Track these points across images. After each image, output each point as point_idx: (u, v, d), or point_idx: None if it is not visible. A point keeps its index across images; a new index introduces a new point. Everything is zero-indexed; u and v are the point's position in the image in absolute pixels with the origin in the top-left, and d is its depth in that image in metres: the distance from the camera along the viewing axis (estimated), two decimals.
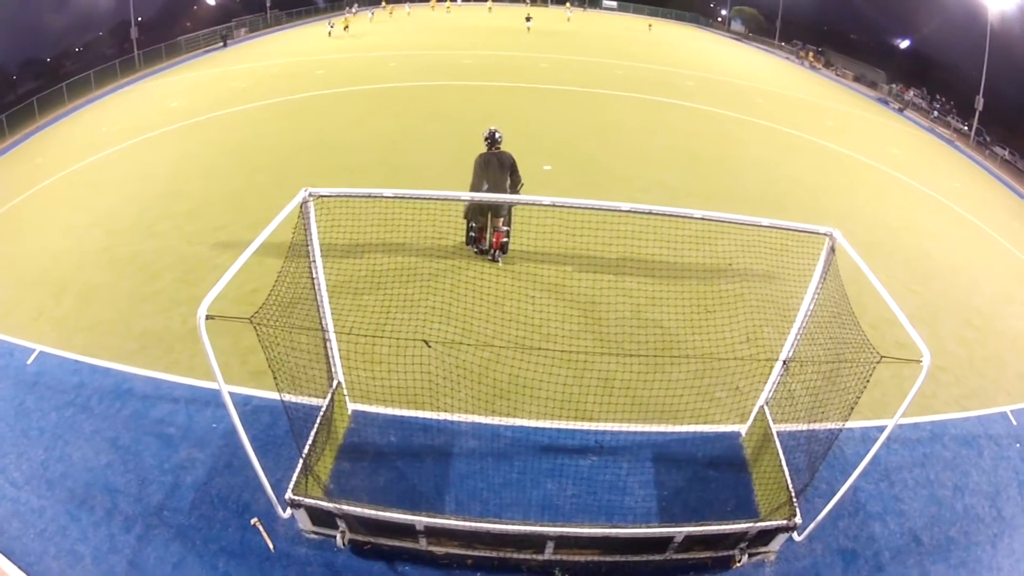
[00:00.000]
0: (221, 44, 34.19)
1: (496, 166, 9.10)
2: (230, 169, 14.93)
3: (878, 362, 4.75)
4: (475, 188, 9.01)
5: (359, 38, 34.51)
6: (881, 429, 7.57)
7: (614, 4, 57.39)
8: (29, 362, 8.18)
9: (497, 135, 9.29)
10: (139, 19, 32.40)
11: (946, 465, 7.35)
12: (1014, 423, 8.25)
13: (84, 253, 11.04)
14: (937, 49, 36.33)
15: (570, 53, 30.99)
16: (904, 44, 39.04)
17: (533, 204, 5.28)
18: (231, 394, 4.39)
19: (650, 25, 45.94)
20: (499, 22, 42.10)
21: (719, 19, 54.48)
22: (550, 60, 28.79)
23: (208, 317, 4.05)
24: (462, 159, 15.13)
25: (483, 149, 9.64)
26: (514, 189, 9.43)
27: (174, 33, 33.74)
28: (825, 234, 5.47)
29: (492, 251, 9.92)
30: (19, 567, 5.53)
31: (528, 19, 39.84)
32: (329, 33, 35.73)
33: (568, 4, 51.69)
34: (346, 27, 36.79)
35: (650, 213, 5.26)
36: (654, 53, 33.48)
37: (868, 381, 4.87)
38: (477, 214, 9.64)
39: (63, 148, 18.45)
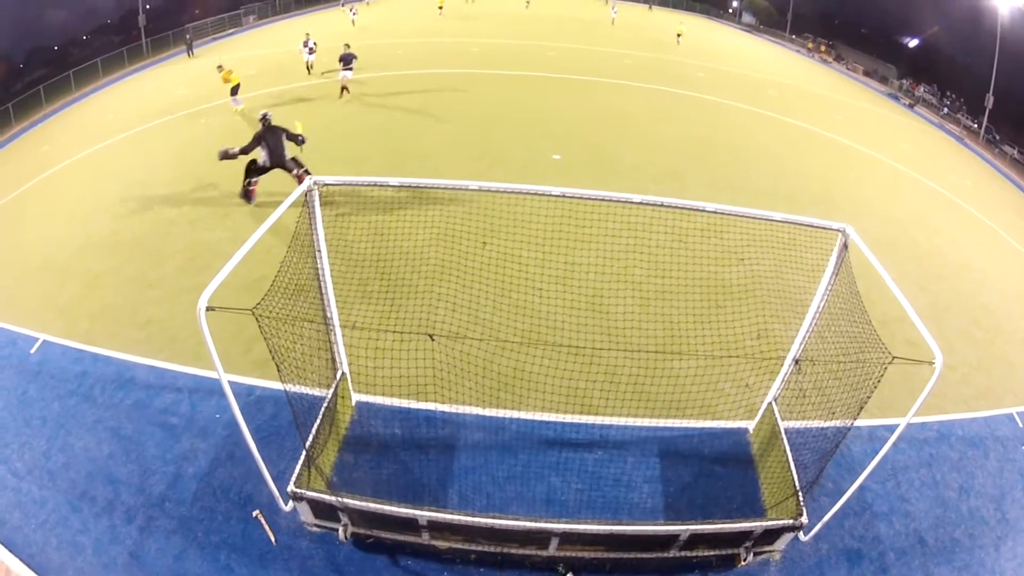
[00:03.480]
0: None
1: (273, 135, 11.88)
2: None
3: (890, 362, 4.67)
4: (250, 148, 11.76)
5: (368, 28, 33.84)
6: (888, 428, 7.58)
7: None
8: (32, 351, 8.17)
9: (268, 115, 11.97)
10: (147, 6, 32.19)
11: (952, 466, 7.29)
12: (1020, 425, 8.17)
13: (89, 240, 11.03)
14: (948, 45, 35.94)
15: (580, 42, 30.70)
16: (913, 43, 38.57)
17: (542, 194, 5.20)
18: (234, 384, 4.35)
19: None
20: (531, 10, 40.80)
21: (730, 11, 54.00)
22: (558, 49, 28.54)
23: (209, 308, 4.00)
24: (468, 144, 15.27)
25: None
26: (300, 144, 12.16)
27: (182, 21, 33.43)
28: (838, 230, 5.37)
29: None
30: (20, 558, 5.53)
31: None
32: (353, 22, 34.38)
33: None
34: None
35: (661, 205, 5.18)
36: (665, 43, 33.14)
37: (879, 381, 4.79)
38: (261, 172, 12.12)
39: (69, 136, 18.41)
